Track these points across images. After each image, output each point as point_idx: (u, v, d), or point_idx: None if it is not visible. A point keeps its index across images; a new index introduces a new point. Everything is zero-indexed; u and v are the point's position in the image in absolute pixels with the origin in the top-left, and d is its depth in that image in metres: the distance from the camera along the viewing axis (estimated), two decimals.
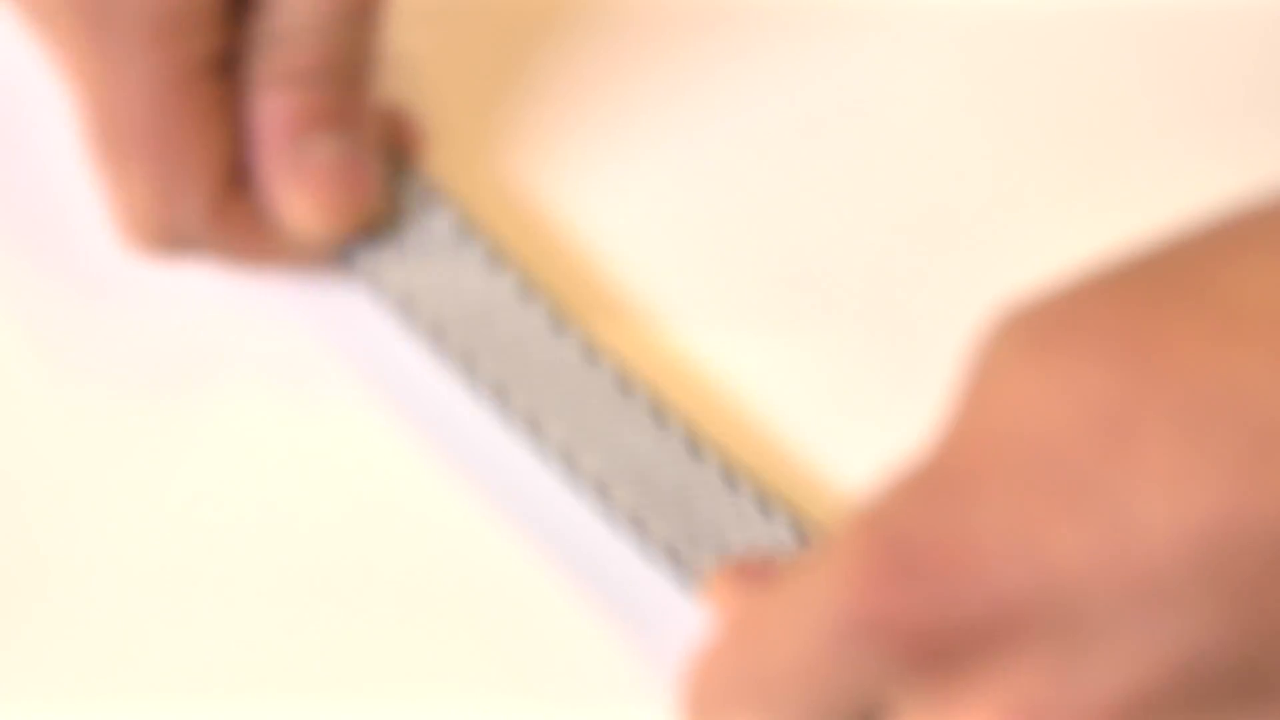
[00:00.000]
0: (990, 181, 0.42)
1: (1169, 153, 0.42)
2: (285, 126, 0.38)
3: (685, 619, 0.36)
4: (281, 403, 0.40)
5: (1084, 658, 0.26)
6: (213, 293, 0.41)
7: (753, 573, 0.35)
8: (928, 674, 0.27)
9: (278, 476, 0.39)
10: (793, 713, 0.29)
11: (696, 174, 0.43)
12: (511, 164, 0.43)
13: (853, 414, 0.40)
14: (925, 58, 0.44)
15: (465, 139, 0.43)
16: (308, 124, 0.38)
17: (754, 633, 0.30)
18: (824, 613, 0.28)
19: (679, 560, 0.36)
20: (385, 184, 0.40)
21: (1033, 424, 0.27)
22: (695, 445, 0.37)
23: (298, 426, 0.40)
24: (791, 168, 0.43)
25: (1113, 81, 0.43)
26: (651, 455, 0.37)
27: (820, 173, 0.43)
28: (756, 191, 0.42)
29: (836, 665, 0.28)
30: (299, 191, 0.39)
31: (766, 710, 0.29)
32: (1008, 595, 0.26)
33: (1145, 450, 0.26)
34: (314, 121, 0.38)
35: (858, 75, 0.44)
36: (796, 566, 0.30)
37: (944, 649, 0.27)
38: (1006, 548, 0.27)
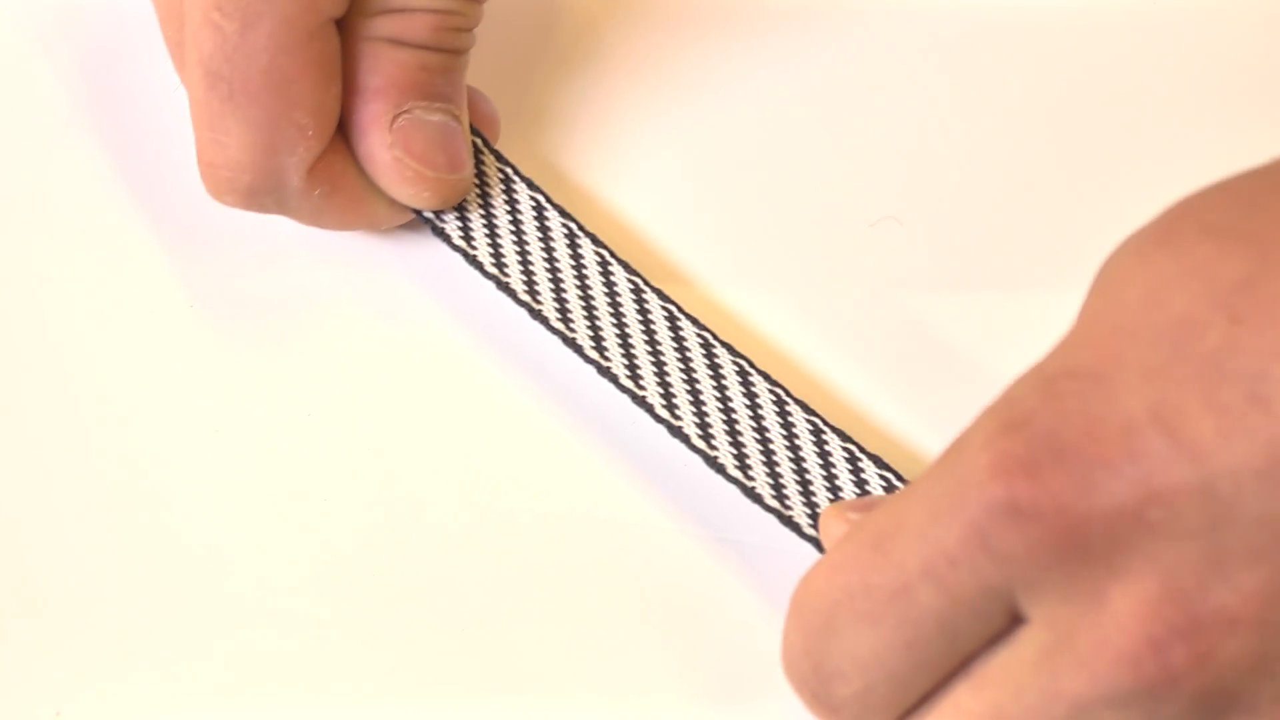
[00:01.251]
0: (1011, 149, 0.42)
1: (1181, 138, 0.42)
2: (394, 91, 0.38)
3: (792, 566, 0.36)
4: (382, 348, 0.41)
5: (1230, 543, 0.26)
6: (312, 234, 0.41)
7: (862, 507, 0.34)
8: (1071, 562, 0.27)
9: (374, 423, 0.39)
10: (917, 621, 0.28)
11: (725, 149, 0.43)
12: (546, 147, 0.43)
13: (889, 372, 0.40)
14: (936, 42, 0.44)
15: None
16: (415, 92, 0.39)
17: (872, 540, 0.29)
18: (961, 505, 0.27)
19: (781, 508, 0.36)
20: (473, 159, 0.40)
21: (1161, 311, 0.27)
22: (782, 401, 0.37)
23: (395, 372, 0.40)
24: (818, 137, 0.43)
25: (1113, 76, 0.44)
26: (743, 411, 0.37)
27: (850, 145, 0.43)
28: (782, 162, 0.43)
29: (974, 560, 0.27)
30: (401, 157, 0.39)
31: (887, 620, 0.29)
32: (1156, 478, 0.26)
33: (1271, 325, 0.26)
34: (421, 90, 0.39)
35: (874, 60, 0.44)
36: (915, 480, 0.29)
37: (1091, 534, 0.26)
38: (1151, 432, 0.26)
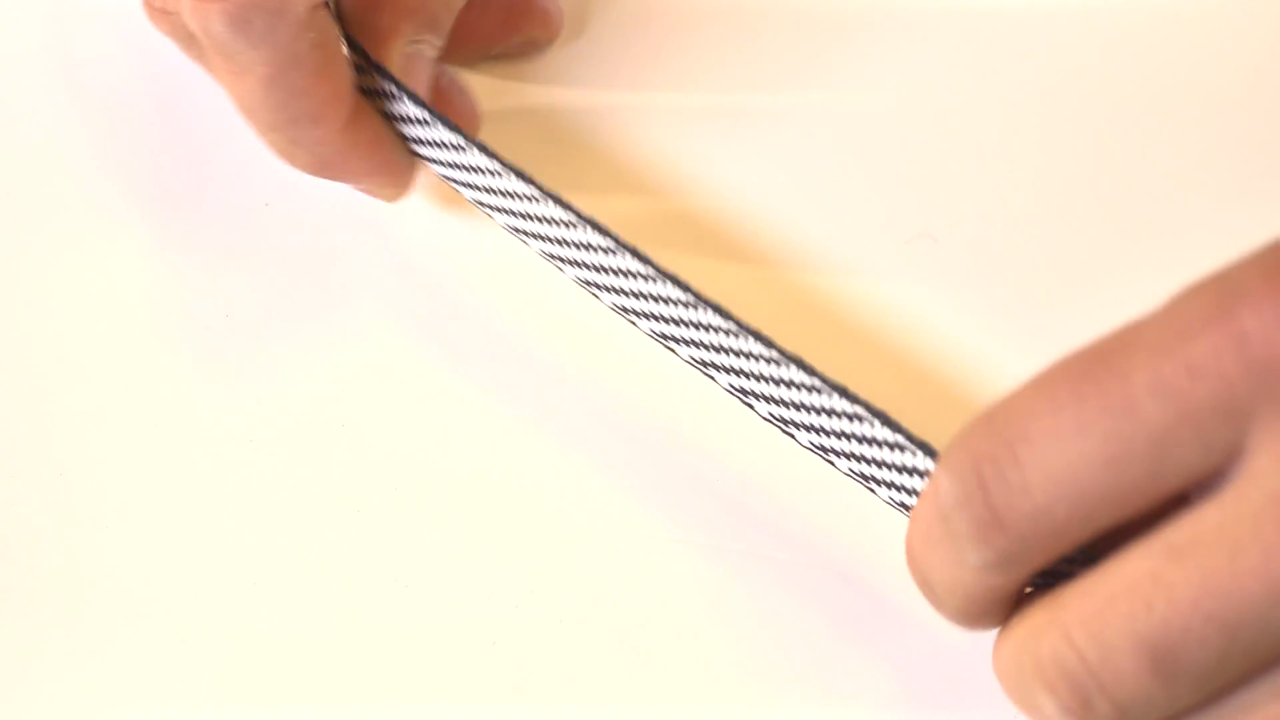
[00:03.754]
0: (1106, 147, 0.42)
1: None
2: (420, 16, 0.39)
3: None
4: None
5: None
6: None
7: None
8: None
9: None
10: (1129, 436, 0.26)
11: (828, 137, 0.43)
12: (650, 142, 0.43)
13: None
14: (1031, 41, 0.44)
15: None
16: (431, 27, 0.39)
17: (1093, 356, 0.26)
18: (1222, 314, 0.25)
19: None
20: None
21: None
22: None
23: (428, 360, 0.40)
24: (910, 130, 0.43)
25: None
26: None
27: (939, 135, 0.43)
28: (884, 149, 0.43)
29: (1223, 366, 0.25)
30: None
31: (1095, 431, 0.26)
32: None
33: None
34: (434, 25, 0.39)
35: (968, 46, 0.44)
36: (1140, 317, 0.27)
37: None
38: None
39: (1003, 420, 0.27)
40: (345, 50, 0.38)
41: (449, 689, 0.36)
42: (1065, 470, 0.26)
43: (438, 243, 0.42)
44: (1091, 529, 0.27)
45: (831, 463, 0.35)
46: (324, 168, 0.39)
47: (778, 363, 0.35)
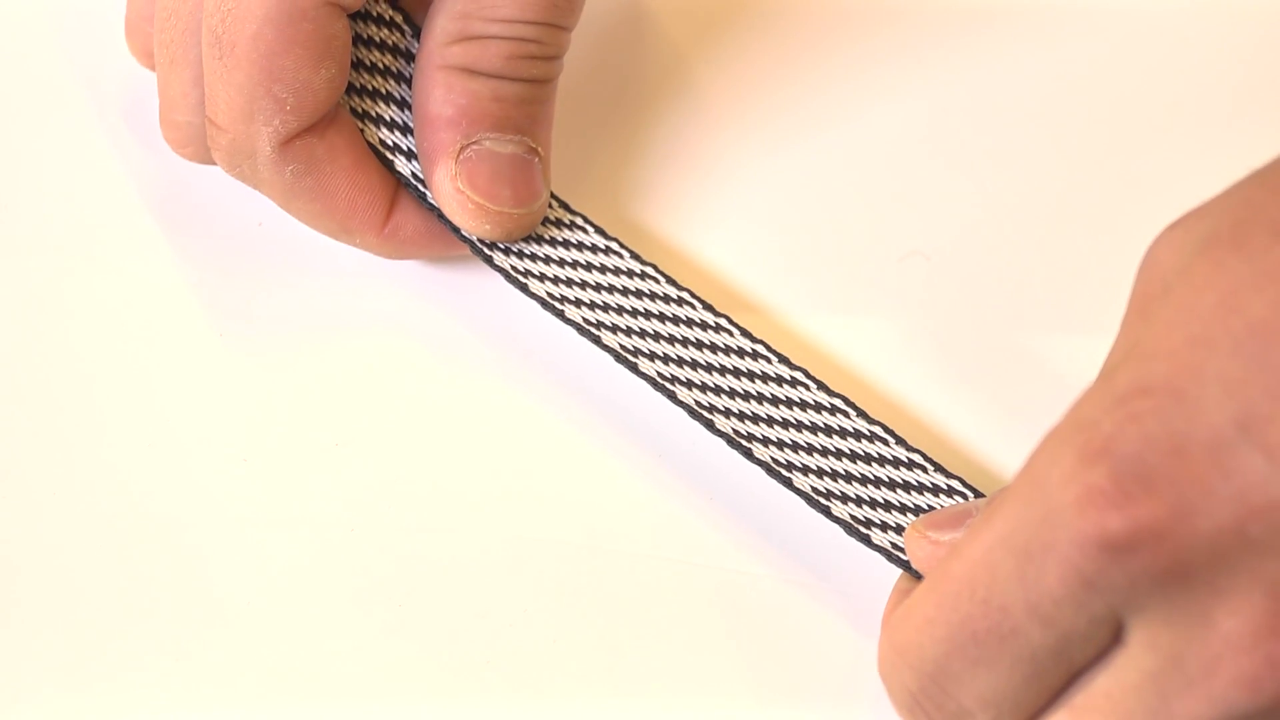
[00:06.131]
0: (1112, 175, 0.43)
1: None
2: (464, 121, 0.38)
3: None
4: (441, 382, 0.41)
5: None
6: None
7: (940, 523, 0.34)
8: (1173, 587, 0.26)
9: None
10: (1031, 657, 0.29)
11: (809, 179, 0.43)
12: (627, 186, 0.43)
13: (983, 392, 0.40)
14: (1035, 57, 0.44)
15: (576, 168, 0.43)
16: (487, 123, 0.38)
17: (968, 589, 0.29)
18: (1053, 545, 0.27)
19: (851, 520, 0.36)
20: (547, 193, 0.40)
21: (1239, 318, 0.26)
22: (868, 418, 0.37)
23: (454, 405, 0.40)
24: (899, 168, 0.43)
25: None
26: (825, 433, 0.37)
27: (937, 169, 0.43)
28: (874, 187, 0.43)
29: (1076, 597, 0.27)
30: (462, 189, 0.39)
31: (1003, 660, 0.29)
32: (1253, 493, 0.26)
33: None
34: (493, 121, 0.38)
35: (973, 75, 0.44)
36: (994, 507, 0.29)
37: (1192, 557, 0.26)
38: (1241, 445, 0.26)
39: (916, 658, 0.30)
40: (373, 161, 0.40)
41: (443, 708, 0.36)
42: (994, 694, 0.30)
43: (431, 263, 0.42)
44: (1040, 706, 0.30)
45: (828, 508, 0.36)
46: (393, 257, 0.41)
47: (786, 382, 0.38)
